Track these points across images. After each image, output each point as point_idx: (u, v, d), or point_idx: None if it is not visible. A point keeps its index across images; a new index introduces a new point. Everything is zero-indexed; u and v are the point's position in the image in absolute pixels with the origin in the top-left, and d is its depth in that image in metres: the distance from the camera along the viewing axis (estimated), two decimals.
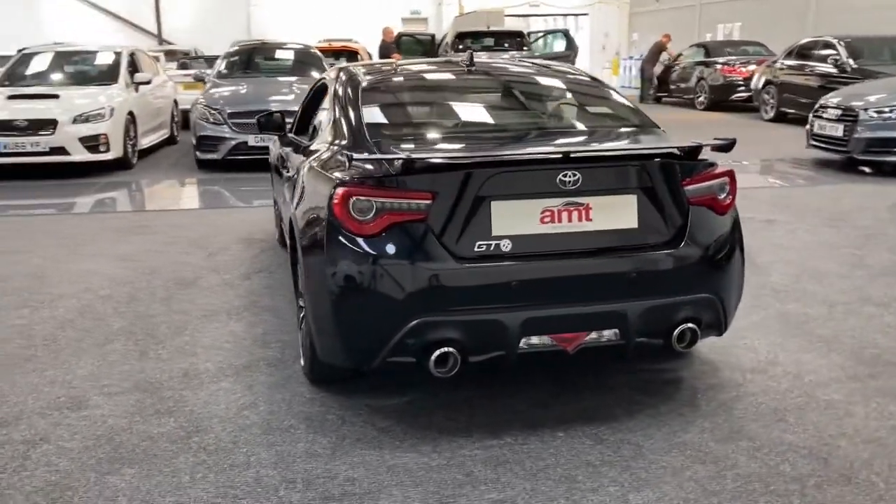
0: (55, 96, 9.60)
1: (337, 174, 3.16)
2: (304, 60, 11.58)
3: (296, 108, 5.45)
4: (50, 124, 9.06)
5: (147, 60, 11.81)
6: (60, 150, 9.11)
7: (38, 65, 10.81)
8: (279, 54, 12.00)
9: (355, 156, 3.04)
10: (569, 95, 4.10)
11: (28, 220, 7.60)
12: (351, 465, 2.87)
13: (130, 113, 10.08)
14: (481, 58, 4.35)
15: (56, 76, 10.69)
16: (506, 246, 2.97)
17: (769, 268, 5.34)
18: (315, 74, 10.08)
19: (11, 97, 9.52)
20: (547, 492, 2.70)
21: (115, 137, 9.55)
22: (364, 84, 3.84)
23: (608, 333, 3.09)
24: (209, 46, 24.07)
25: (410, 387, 3.47)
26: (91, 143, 9.26)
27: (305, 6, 30.40)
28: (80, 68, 11.03)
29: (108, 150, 9.40)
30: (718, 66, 16.91)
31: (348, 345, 3.05)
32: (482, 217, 2.96)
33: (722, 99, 16.50)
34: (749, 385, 3.53)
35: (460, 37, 15.47)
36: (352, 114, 3.61)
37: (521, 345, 3.00)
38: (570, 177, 2.96)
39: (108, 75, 10.54)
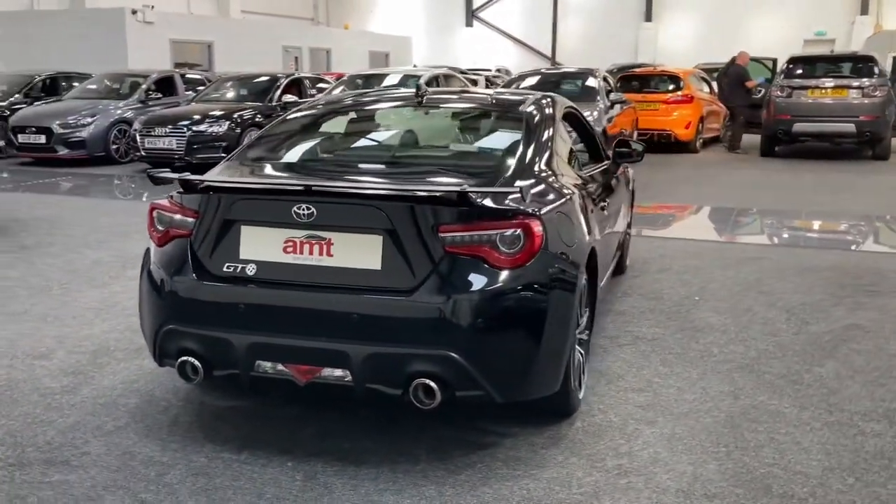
0: None
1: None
2: (576, 87, 11.70)
3: None
4: None
5: None
6: None
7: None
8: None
9: (154, 174, 3.40)
10: (470, 135, 3.95)
11: None
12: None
13: None
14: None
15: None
16: (251, 270, 3.10)
17: None
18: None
19: None
20: None
21: None
22: (292, 112, 4.15)
23: (339, 372, 3.02)
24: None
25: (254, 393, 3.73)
26: None
27: (707, 25, 29.69)
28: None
29: None
30: None
31: (147, 340, 3.44)
32: (232, 240, 3.13)
33: None
34: None
35: (793, 62, 13.96)
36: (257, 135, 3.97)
37: (255, 367, 3.10)
38: (304, 210, 2.99)
39: None
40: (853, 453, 3.23)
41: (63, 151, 12.92)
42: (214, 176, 3.37)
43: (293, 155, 3.70)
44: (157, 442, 3.31)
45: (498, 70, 24.79)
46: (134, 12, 19.13)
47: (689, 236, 7.88)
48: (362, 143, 3.99)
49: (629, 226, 6.19)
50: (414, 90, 4.14)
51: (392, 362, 2.95)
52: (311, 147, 3.84)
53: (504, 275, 2.97)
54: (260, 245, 3.10)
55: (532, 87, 12.23)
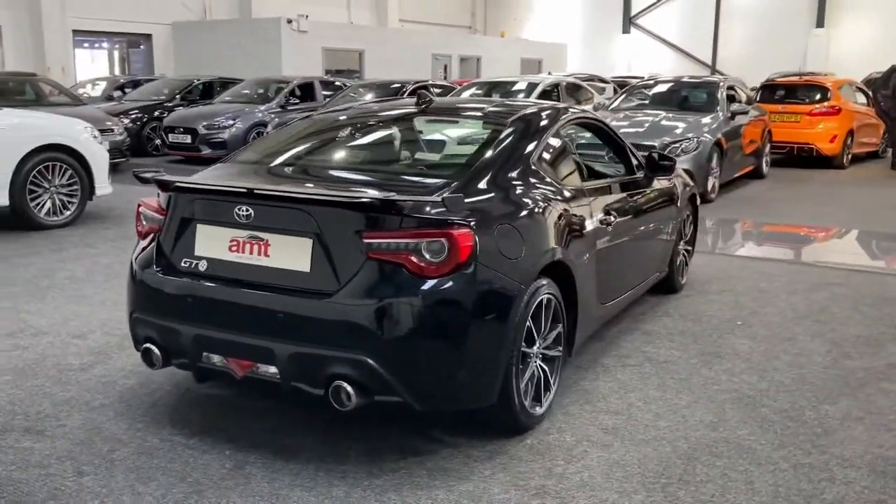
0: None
1: None
2: (697, 96, 11.22)
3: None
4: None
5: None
6: None
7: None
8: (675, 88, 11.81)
9: (139, 173, 3.65)
10: (446, 145, 3.95)
11: None
12: None
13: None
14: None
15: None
16: (202, 266, 3.30)
17: None
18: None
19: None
20: None
21: None
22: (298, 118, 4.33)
23: (272, 369, 3.14)
24: (753, 78, 23.52)
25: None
26: None
27: (886, 31, 27.53)
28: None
29: None
30: None
31: None
32: (189, 237, 3.34)
33: None
34: None
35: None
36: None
37: (204, 359, 3.29)
38: (243, 211, 3.14)
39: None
40: (805, 500, 2.97)
41: (206, 151, 13.91)
42: (183, 176, 3.59)
43: (272, 159, 3.86)
44: (127, 421, 3.58)
45: (650, 77, 24.13)
46: (289, 22, 20.29)
47: (771, 257, 7.39)
48: (339, 149, 4.08)
49: (687, 243, 5.92)
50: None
51: (313, 362, 3.03)
52: (291, 152, 3.99)
53: (425, 284, 2.98)
54: (211, 243, 3.29)
55: (651, 96, 11.87)
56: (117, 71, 23.49)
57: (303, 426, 3.52)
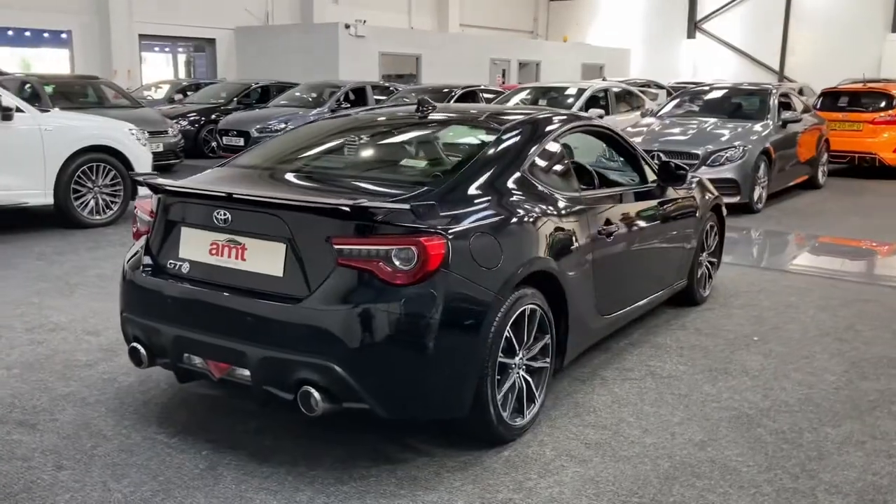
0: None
1: None
2: (748, 104, 10.93)
3: None
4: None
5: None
6: None
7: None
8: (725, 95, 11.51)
9: (134, 176, 3.73)
10: (434, 152, 3.94)
11: None
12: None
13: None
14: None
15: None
16: (185, 268, 3.35)
17: None
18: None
19: None
20: None
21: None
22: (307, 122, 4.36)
23: (246, 372, 3.17)
24: (824, 84, 22.78)
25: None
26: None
27: None
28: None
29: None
30: None
31: None
32: (174, 239, 3.40)
33: None
34: None
35: None
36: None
37: (185, 359, 3.34)
38: (221, 215, 3.18)
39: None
40: None
41: None
42: (173, 180, 3.66)
43: (266, 163, 3.89)
44: (116, 418, 3.66)
45: (710, 83, 23.59)
46: (347, 27, 20.52)
47: (807, 271, 7.10)
48: (331, 155, 4.09)
49: (712, 254, 5.76)
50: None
51: (282, 367, 3.05)
52: (285, 157, 4.01)
53: (393, 291, 2.96)
54: (194, 246, 3.34)
55: (702, 102, 11.61)
56: (183, 74, 24.15)
57: (286, 429, 3.54)
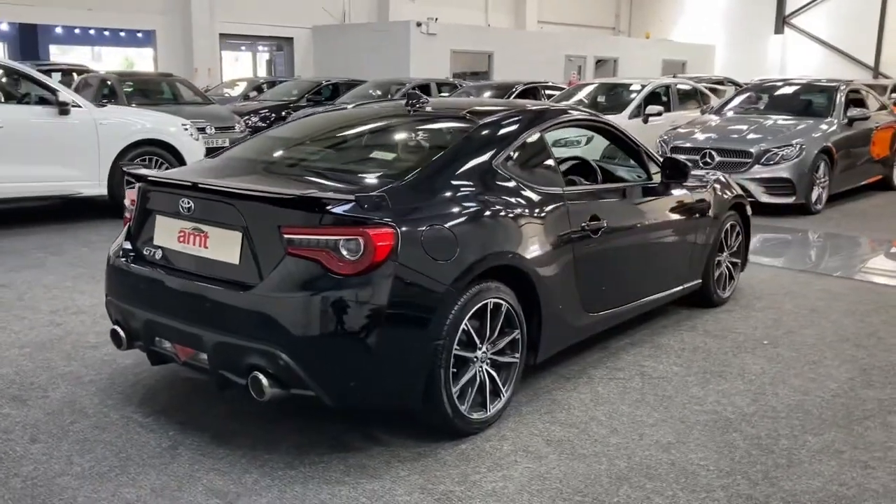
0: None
1: None
2: (813, 101, 10.50)
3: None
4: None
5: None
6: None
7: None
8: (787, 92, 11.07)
9: (125, 167, 3.89)
10: (410, 145, 3.96)
11: None
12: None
13: None
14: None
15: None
16: (158, 255, 3.48)
17: None
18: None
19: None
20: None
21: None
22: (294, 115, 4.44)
23: (204, 357, 3.27)
24: None
25: None
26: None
27: None
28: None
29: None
30: None
31: None
32: (150, 226, 3.54)
33: None
34: None
35: None
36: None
37: (156, 343, 3.48)
38: (185, 203, 3.29)
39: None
40: None
41: None
42: (154, 171, 3.80)
43: (249, 154, 4.00)
44: (101, 397, 3.83)
45: (790, 79, 22.74)
46: (418, 25, 20.69)
47: (845, 274, 6.70)
48: (311, 147, 4.13)
49: (734, 255, 5.57)
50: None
51: (234, 352, 3.13)
52: (267, 149, 4.10)
53: (339, 281, 3.00)
54: (165, 233, 3.47)
55: (766, 99, 11.20)
56: (263, 73, 24.86)
57: (256, 414, 3.63)
